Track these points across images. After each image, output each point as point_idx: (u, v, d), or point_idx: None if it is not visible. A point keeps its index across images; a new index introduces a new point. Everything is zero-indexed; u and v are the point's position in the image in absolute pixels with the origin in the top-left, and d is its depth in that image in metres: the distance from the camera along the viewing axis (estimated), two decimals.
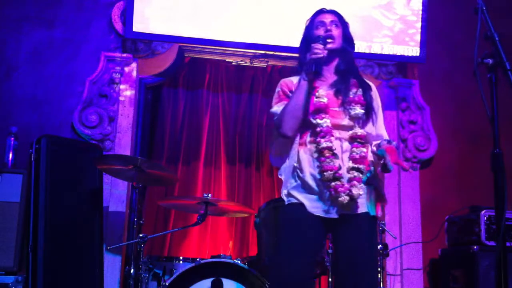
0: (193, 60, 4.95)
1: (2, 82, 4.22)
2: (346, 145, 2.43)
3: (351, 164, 2.39)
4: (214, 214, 3.81)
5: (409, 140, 4.63)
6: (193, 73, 5.05)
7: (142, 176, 3.44)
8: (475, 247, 3.97)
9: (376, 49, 4.49)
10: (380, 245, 3.68)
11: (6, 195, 3.50)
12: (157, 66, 4.60)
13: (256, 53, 4.62)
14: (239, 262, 3.41)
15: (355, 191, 2.34)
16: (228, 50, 4.56)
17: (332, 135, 2.40)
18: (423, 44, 4.52)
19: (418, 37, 4.52)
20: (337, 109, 2.45)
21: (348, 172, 2.38)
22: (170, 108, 4.94)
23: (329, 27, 2.54)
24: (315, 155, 2.40)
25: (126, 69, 4.34)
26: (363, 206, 2.41)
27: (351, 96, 2.47)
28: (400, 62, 4.70)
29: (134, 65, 4.37)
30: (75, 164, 3.65)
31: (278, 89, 2.57)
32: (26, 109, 4.19)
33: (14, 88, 4.22)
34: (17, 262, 3.43)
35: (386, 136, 2.53)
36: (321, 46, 2.42)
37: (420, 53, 4.52)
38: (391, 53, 4.51)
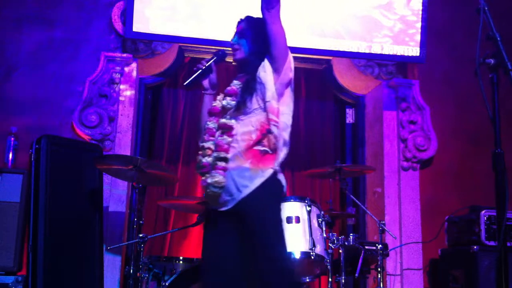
0: (193, 60, 4.94)
1: (2, 82, 4.21)
2: None
3: (214, 154, 2.39)
4: None
5: (409, 140, 4.63)
6: (193, 73, 5.03)
7: (142, 176, 3.44)
8: (475, 247, 3.96)
9: (376, 49, 4.48)
10: (380, 245, 3.68)
11: (6, 195, 3.49)
12: (157, 66, 4.60)
13: None
14: None
15: (209, 180, 2.35)
16: (228, 50, 4.54)
17: (211, 135, 2.46)
18: (423, 44, 4.51)
19: (418, 37, 4.52)
20: None
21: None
22: (170, 108, 4.94)
23: (231, 41, 2.69)
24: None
25: (126, 69, 4.34)
26: (244, 201, 2.34)
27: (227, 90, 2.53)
28: (400, 62, 4.70)
29: (134, 65, 4.36)
30: (75, 164, 3.65)
31: None
32: (26, 109, 4.19)
33: (14, 88, 4.21)
34: (17, 262, 3.42)
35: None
36: (204, 63, 2.65)
37: (420, 53, 4.51)
38: (391, 53, 4.50)
